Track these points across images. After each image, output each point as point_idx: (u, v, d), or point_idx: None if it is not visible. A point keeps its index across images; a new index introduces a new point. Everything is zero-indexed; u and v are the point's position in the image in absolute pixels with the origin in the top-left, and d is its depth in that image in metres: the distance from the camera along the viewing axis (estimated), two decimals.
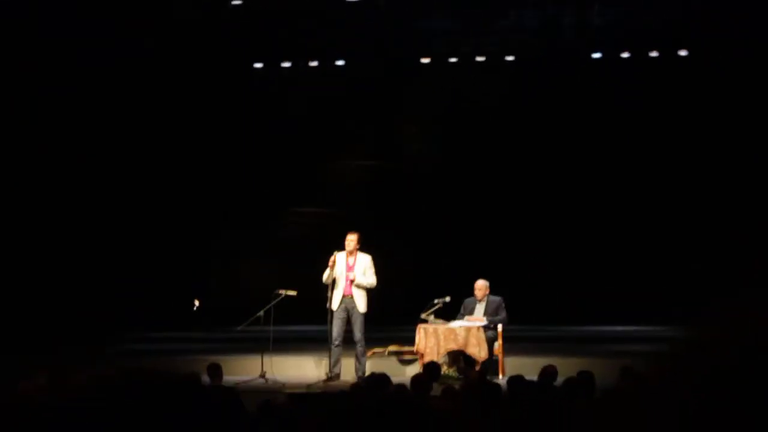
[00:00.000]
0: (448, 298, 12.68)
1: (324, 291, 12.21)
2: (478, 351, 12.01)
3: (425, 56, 18.56)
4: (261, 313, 12.28)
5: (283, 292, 12.40)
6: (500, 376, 11.74)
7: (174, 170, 18.86)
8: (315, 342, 13.62)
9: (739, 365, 0.71)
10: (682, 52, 17.89)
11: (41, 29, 16.36)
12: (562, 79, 18.41)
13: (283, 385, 11.43)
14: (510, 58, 18.42)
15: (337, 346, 12.07)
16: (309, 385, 11.50)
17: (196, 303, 19.46)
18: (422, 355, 12.05)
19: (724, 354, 0.75)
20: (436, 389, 8.00)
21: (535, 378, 8.43)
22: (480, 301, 12.71)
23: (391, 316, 14.70)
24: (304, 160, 19.14)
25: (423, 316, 12.59)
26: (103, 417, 5.90)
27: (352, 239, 12.22)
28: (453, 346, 12.14)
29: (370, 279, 12.18)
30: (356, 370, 12.08)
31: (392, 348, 13.06)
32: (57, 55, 16.75)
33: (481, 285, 12.76)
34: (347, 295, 12.12)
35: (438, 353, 11.99)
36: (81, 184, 17.81)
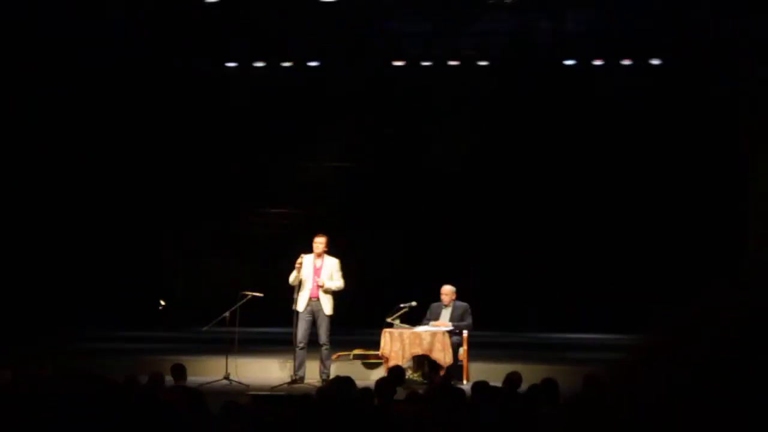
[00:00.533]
0: (414, 303, 12.70)
1: (290, 293, 12.19)
2: (443, 356, 12.03)
3: (398, 59, 18.57)
4: (227, 314, 12.24)
5: (249, 293, 12.38)
6: (465, 382, 11.77)
7: (141, 169, 18.76)
8: (279, 344, 13.58)
9: (698, 367, 0.73)
10: (655, 61, 17.99)
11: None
12: (536, 84, 18.46)
13: (247, 387, 11.40)
14: (483, 63, 18.43)
15: (301, 348, 12.05)
16: (273, 387, 11.48)
17: (162, 303, 19.39)
18: (387, 359, 12.05)
19: (682, 357, 0.76)
20: (401, 393, 8.01)
21: (499, 384, 8.45)
22: (446, 306, 12.74)
23: (357, 319, 14.71)
24: (271, 160, 19.10)
25: (388, 320, 12.59)
26: (66, 414, 5.88)
27: (320, 242, 12.20)
28: (418, 351, 12.15)
29: (337, 282, 12.17)
30: (320, 373, 12.05)
31: (357, 351, 13.06)
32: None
33: (447, 290, 12.78)
34: (313, 298, 12.10)
35: (403, 357, 12.00)
36: (46, 182, 17.71)
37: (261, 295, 12.39)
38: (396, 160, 19.09)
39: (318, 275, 12.11)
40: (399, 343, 12.13)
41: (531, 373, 9.87)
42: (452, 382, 10.61)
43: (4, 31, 16.09)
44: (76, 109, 17.79)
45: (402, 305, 12.69)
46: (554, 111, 18.47)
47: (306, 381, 11.92)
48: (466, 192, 18.75)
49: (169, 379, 9.25)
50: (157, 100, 18.61)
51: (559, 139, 18.44)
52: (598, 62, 18.19)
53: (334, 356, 12.51)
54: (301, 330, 12.02)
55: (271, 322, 14.75)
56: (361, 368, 12.75)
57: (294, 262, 12.09)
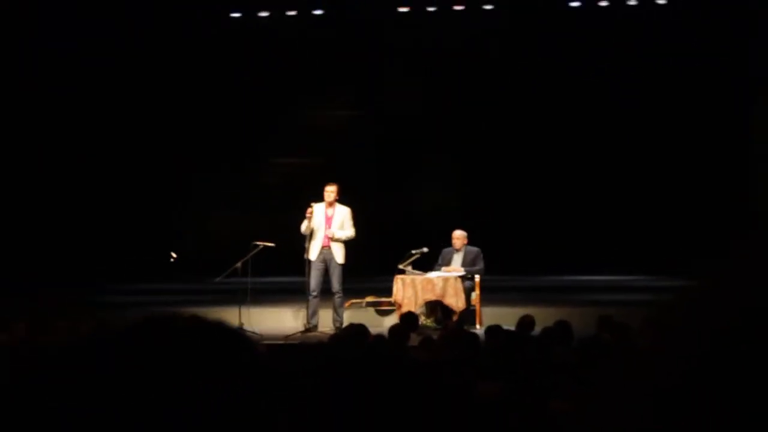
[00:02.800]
0: (425, 249, 12.70)
1: (301, 242, 12.18)
2: (456, 301, 12.04)
3: (403, 5, 18.46)
4: (238, 264, 12.25)
5: (260, 243, 12.38)
6: (478, 326, 11.79)
7: (149, 123, 18.73)
8: (292, 293, 13.60)
9: (743, 322, 0.68)
10: (660, 0, 17.84)
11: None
12: (541, 27, 18.32)
13: (261, 336, 11.40)
14: (488, 6, 18.31)
15: (314, 297, 12.07)
16: (287, 336, 11.51)
17: (173, 255, 19.40)
18: (400, 306, 12.07)
19: (729, 309, 0.71)
20: (414, 339, 8.03)
21: (512, 328, 8.45)
22: (458, 251, 12.73)
23: (369, 267, 14.71)
24: (280, 110, 19.03)
25: (400, 266, 12.61)
26: (91, 369, 5.86)
27: (331, 190, 12.16)
28: (431, 297, 12.16)
29: (348, 232, 12.14)
30: (334, 321, 12.09)
31: (370, 299, 13.09)
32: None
33: (459, 235, 12.77)
34: (325, 247, 12.09)
35: (416, 304, 12.02)
36: (55, 137, 17.69)
37: (272, 245, 12.39)
38: (404, 107, 18.98)
39: (329, 224, 12.09)
40: (411, 290, 12.15)
41: (544, 316, 9.87)
42: (465, 327, 10.63)
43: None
44: (84, 60, 17.72)
45: (413, 251, 12.71)
46: (562, 52, 18.33)
47: (319, 329, 11.96)
48: (475, 137, 18.69)
49: None
50: (162, 51, 18.53)
51: (571, 80, 18.32)
52: (603, 3, 18.05)
53: (346, 304, 12.53)
54: (314, 279, 12.04)
55: (284, 272, 14.78)
56: (374, 315, 12.78)
57: (305, 212, 12.07)
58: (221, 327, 1.15)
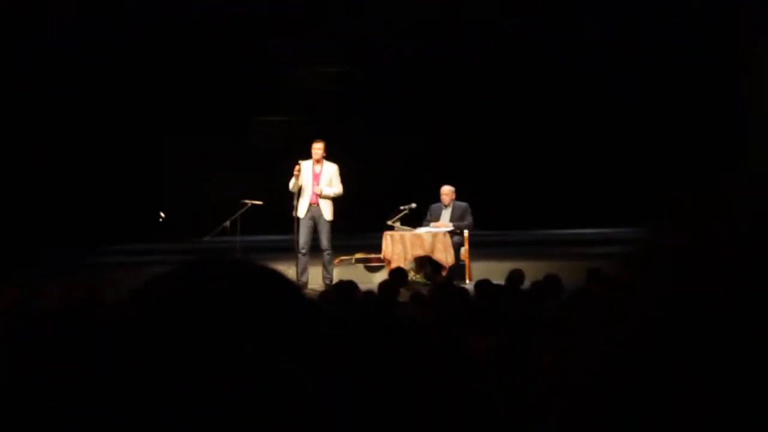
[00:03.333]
0: (414, 205, 12.71)
1: (290, 199, 12.18)
2: (445, 256, 12.07)
3: None
4: (227, 223, 12.25)
5: (249, 202, 12.36)
6: (467, 281, 11.83)
7: (135, 81, 18.60)
8: (282, 251, 13.61)
9: (706, 259, 0.69)
10: None
11: None
12: None
13: None
14: None
15: (303, 254, 12.07)
16: None
17: (162, 215, 19.39)
18: (389, 262, 12.11)
19: (691, 247, 0.72)
20: (404, 295, 8.05)
21: (502, 282, 8.47)
22: (446, 206, 12.75)
23: (358, 223, 14.72)
24: (266, 67, 18.92)
25: (389, 222, 12.62)
26: (85, 336, 5.86)
27: (318, 148, 12.13)
28: (420, 252, 12.19)
29: (336, 188, 12.13)
30: (323, 278, 12.10)
31: (359, 255, 13.11)
32: None
33: (447, 190, 12.78)
34: (313, 204, 12.08)
35: (405, 259, 12.05)
36: (43, 99, 17.57)
37: (260, 203, 12.40)
38: (391, 63, 18.89)
39: (317, 181, 12.07)
40: (400, 245, 12.17)
41: (533, 270, 9.90)
42: (455, 282, 10.66)
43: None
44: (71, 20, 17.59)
45: (402, 207, 12.71)
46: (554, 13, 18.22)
47: (309, 287, 11.97)
48: (463, 92, 18.63)
49: None
50: (146, 13, 18.36)
51: (556, 38, 18.24)
52: None
53: (336, 261, 12.55)
54: (303, 236, 12.03)
55: (272, 230, 14.78)
56: (364, 272, 12.81)
57: (293, 169, 12.05)
58: (274, 275, 1.04)
